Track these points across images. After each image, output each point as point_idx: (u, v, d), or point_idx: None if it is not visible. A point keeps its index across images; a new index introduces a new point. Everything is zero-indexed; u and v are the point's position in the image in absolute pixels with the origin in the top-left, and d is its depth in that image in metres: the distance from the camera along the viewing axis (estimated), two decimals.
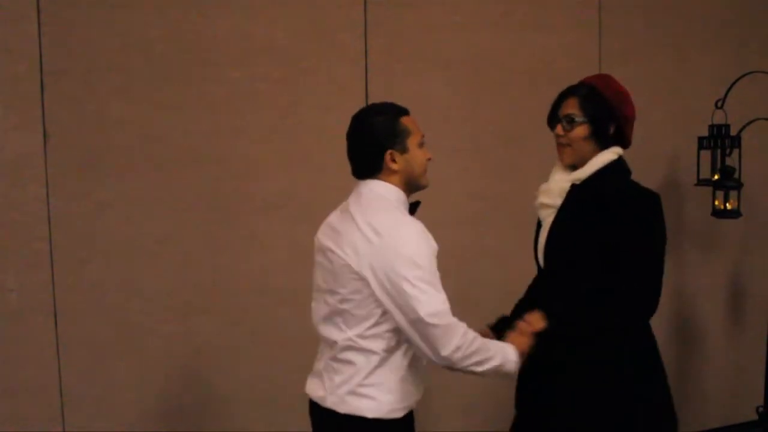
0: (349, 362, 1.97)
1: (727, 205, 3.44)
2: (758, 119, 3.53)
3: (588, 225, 2.10)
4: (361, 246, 1.91)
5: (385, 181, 2.01)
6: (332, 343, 2.01)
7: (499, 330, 2.25)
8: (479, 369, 1.95)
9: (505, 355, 1.99)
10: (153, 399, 3.01)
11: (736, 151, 3.42)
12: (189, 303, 3.04)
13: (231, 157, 3.05)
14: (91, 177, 2.88)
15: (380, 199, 1.98)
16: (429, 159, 2.06)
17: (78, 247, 2.88)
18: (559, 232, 2.18)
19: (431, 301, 1.87)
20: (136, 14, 2.90)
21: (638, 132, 3.70)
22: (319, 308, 2.07)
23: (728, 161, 3.42)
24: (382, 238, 1.89)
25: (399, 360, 1.98)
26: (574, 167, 2.19)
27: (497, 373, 2.00)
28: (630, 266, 2.05)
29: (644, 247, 2.07)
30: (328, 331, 2.02)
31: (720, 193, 3.46)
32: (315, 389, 2.06)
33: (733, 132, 3.45)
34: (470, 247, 3.41)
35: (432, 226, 3.29)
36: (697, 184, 3.59)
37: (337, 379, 1.98)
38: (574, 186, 2.17)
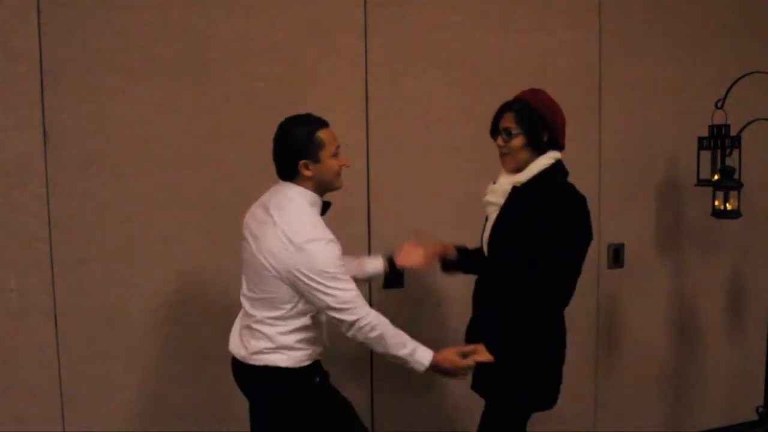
0: (263, 332, 2.40)
1: (727, 205, 3.43)
2: (758, 119, 3.53)
3: (522, 223, 2.42)
4: (279, 252, 2.30)
5: (300, 185, 2.38)
6: (250, 315, 2.43)
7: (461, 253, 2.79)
8: (381, 350, 2.39)
9: (414, 353, 2.40)
10: (153, 399, 3.01)
11: (736, 151, 3.42)
12: (189, 303, 3.04)
13: (231, 157, 3.05)
14: (91, 177, 2.88)
15: (293, 202, 2.35)
16: (344, 166, 2.42)
17: (78, 247, 2.88)
18: (499, 228, 2.51)
19: (340, 295, 2.30)
20: (136, 14, 2.90)
21: (638, 132, 3.73)
22: (243, 286, 2.49)
23: (728, 161, 3.42)
24: (297, 248, 2.27)
25: (304, 327, 2.40)
26: (517, 171, 2.49)
27: (402, 364, 2.42)
28: (547, 261, 2.35)
29: (561, 245, 2.36)
30: (248, 306, 2.45)
31: (720, 193, 3.45)
32: (237, 349, 2.49)
33: (733, 132, 3.44)
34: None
35: (432, 226, 3.32)
36: (697, 185, 3.59)
37: (254, 342, 2.42)
38: (515, 188, 2.48)
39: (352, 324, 2.33)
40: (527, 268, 2.38)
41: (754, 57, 3.80)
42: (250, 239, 2.43)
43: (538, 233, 2.36)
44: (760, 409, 3.68)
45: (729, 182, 3.40)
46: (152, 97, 2.93)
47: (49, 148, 2.82)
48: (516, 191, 2.49)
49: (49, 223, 2.84)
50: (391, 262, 2.77)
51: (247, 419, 2.64)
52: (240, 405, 2.68)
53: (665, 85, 3.76)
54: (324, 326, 2.49)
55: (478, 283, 2.67)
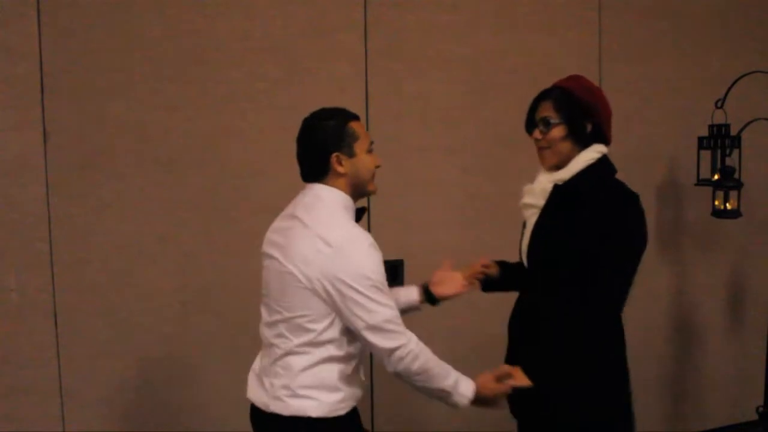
0: (289, 367, 2.00)
1: (727, 205, 3.44)
2: (758, 119, 3.53)
3: (568, 225, 2.13)
4: (312, 256, 1.93)
5: (331, 185, 2.04)
6: (274, 348, 2.05)
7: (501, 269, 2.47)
8: (420, 384, 2.01)
9: (458, 385, 2.04)
10: (153, 399, 3.01)
11: (736, 151, 3.42)
12: (189, 303, 3.04)
13: (231, 157, 3.05)
14: (91, 177, 2.88)
15: (325, 204, 2.01)
16: (378, 166, 2.09)
17: (78, 247, 2.88)
18: (541, 233, 2.22)
19: (381, 311, 1.93)
20: (136, 14, 2.90)
21: (638, 132, 3.73)
22: (264, 314, 2.11)
23: (728, 161, 3.42)
24: (334, 250, 1.92)
25: (338, 357, 2.01)
26: (557, 168, 2.21)
27: (442, 398, 2.06)
28: (600, 270, 2.08)
29: (617, 252, 2.09)
30: (271, 336, 2.06)
31: (720, 193, 3.46)
32: (257, 393, 2.09)
33: (733, 132, 3.45)
34: (470, 247, 3.40)
35: (432, 226, 3.32)
36: (697, 184, 3.59)
37: (276, 382, 2.02)
38: (556, 186, 2.20)
39: (393, 351, 1.94)
40: (575, 278, 2.12)
41: (754, 57, 3.80)
42: (274, 252, 2.04)
43: (588, 237, 2.09)
44: (760, 409, 3.68)
45: (729, 182, 3.40)
46: (152, 97, 2.93)
47: (49, 148, 2.82)
48: (558, 190, 2.20)
49: (49, 223, 2.83)
50: (427, 292, 2.36)
51: (247, 419, 2.64)
52: (240, 405, 2.67)
53: (665, 85, 3.76)
54: (360, 358, 2.09)
55: (519, 302, 2.36)
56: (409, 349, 1.96)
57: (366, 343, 1.98)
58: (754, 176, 3.72)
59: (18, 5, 2.75)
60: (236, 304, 3.07)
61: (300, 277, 1.95)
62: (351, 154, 2.02)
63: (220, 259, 3.04)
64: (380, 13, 3.23)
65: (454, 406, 2.07)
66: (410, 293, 2.35)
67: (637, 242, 2.16)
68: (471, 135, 3.41)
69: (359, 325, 1.93)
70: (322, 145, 2.02)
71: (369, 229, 3.28)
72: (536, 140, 2.24)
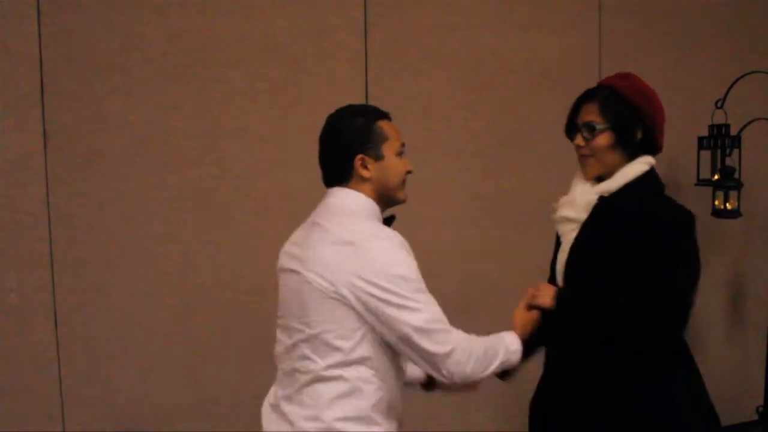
0: (317, 395, 1.72)
1: (727, 205, 3.43)
2: (758, 119, 3.53)
3: (616, 244, 1.88)
4: (334, 258, 1.69)
5: (355, 189, 1.79)
6: (296, 374, 1.77)
7: None
8: (485, 374, 1.78)
9: (507, 347, 1.82)
10: (153, 399, 3.01)
11: (736, 151, 3.42)
12: (189, 303, 3.04)
13: (231, 157, 3.05)
14: (91, 177, 2.88)
15: (347, 211, 1.76)
16: (409, 172, 1.84)
17: (78, 247, 2.88)
18: (583, 250, 1.95)
19: (426, 310, 1.68)
20: (136, 14, 2.89)
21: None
22: (282, 337, 1.83)
23: (728, 161, 3.42)
24: (358, 247, 1.68)
25: (372, 379, 1.74)
26: (599, 179, 1.98)
27: (502, 367, 1.84)
28: (657, 289, 1.84)
29: (674, 273, 1.86)
30: (293, 361, 1.78)
31: (720, 193, 3.46)
32: (276, 428, 1.79)
33: (733, 132, 3.45)
34: (470, 247, 3.40)
35: (432, 226, 3.31)
36: (697, 184, 3.58)
37: (304, 413, 1.73)
38: (602, 199, 1.95)
39: (446, 357, 1.67)
40: (627, 295, 1.86)
41: (754, 57, 3.80)
42: (292, 265, 1.79)
43: (647, 258, 1.84)
44: (760, 409, 3.68)
45: (729, 182, 3.40)
46: (152, 97, 2.93)
47: (49, 148, 2.82)
48: (603, 203, 1.94)
49: (49, 223, 2.83)
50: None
51: (247, 419, 2.63)
52: (240, 405, 2.68)
53: (665, 85, 3.74)
54: (397, 375, 1.82)
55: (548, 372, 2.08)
56: (462, 348, 1.69)
57: (415, 351, 1.69)
58: (754, 176, 3.72)
59: (18, 5, 2.75)
60: (236, 304, 3.08)
61: (323, 284, 1.69)
62: (378, 157, 1.78)
63: (220, 259, 3.04)
64: (380, 13, 3.23)
65: (513, 365, 1.85)
66: (415, 369, 1.97)
67: (692, 267, 1.93)
68: (471, 135, 3.41)
69: (402, 331, 1.66)
70: (345, 146, 1.79)
71: None
72: (578, 147, 1.97)
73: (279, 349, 1.84)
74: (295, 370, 1.77)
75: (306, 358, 1.74)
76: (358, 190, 1.80)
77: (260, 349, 3.11)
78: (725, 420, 4.10)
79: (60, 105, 2.82)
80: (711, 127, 3.48)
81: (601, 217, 1.94)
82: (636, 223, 1.88)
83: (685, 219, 1.91)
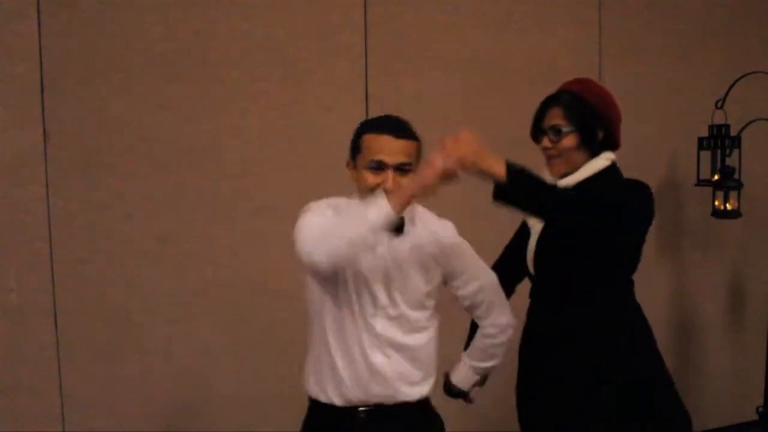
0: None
1: (727, 205, 3.44)
2: (758, 119, 3.53)
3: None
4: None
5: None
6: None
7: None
8: (341, 239, 1.92)
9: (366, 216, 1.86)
10: (153, 399, 3.01)
11: (736, 151, 3.43)
12: (189, 303, 3.04)
13: (231, 157, 3.05)
14: (91, 177, 2.88)
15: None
16: (378, 185, 1.92)
17: (78, 247, 2.88)
18: (548, 238, 2.16)
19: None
20: (136, 14, 2.90)
21: (638, 132, 3.72)
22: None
23: (728, 161, 3.43)
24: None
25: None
26: (563, 176, 2.13)
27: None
28: (605, 206, 1.99)
29: (623, 208, 1.99)
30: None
31: (720, 193, 3.46)
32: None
33: (733, 132, 3.45)
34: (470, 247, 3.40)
35: None
36: (697, 184, 3.59)
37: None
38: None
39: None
40: (586, 271, 2.08)
41: (754, 57, 3.80)
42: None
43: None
44: (760, 409, 3.68)
45: (729, 182, 3.40)
46: (152, 97, 2.93)
47: (49, 148, 2.82)
48: None
49: (49, 223, 2.83)
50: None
51: (247, 419, 2.64)
52: (240, 405, 2.68)
53: (665, 85, 3.76)
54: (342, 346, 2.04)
55: (532, 313, 2.28)
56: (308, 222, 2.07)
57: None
58: (754, 176, 3.72)
59: (18, 5, 2.75)
60: (236, 304, 3.08)
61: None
62: (354, 165, 1.99)
63: (220, 259, 3.04)
64: (380, 13, 3.23)
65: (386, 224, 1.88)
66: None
67: (644, 215, 2.07)
68: None
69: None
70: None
71: None
72: (545, 148, 2.14)
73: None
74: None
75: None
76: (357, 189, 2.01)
77: (260, 348, 3.13)
78: (725, 420, 4.13)
79: (60, 105, 2.82)
80: (711, 127, 3.49)
81: None
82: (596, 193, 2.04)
83: (639, 183, 2.09)
